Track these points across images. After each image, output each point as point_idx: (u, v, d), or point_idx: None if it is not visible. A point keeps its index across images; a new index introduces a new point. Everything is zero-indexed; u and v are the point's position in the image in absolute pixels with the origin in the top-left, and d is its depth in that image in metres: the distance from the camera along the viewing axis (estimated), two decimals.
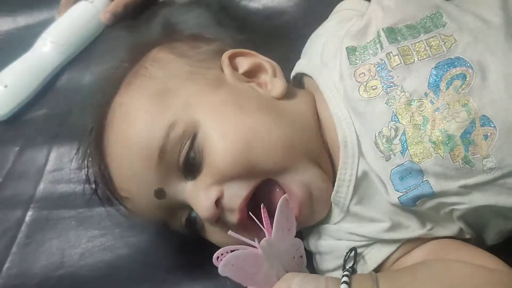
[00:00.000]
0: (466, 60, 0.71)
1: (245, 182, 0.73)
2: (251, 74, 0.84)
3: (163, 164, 0.75)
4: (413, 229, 0.74)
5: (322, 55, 0.83)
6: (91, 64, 1.15)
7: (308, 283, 0.68)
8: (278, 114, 0.78)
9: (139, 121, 0.77)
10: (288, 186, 0.75)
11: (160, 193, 0.76)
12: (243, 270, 0.68)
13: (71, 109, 1.09)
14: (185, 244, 0.89)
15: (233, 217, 0.74)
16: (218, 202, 0.73)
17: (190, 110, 0.76)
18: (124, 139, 0.77)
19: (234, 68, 0.83)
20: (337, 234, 0.78)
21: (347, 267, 0.72)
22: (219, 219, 0.74)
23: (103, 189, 0.84)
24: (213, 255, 0.67)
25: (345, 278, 0.68)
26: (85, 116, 0.87)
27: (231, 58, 0.84)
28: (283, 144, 0.75)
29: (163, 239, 0.94)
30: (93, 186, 0.87)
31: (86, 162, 0.86)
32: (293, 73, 0.88)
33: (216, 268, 0.67)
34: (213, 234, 0.79)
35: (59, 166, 1.05)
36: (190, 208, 0.77)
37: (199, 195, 0.74)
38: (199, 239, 0.84)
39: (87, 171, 0.86)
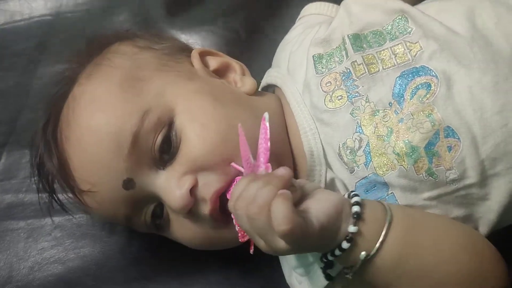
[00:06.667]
0: (431, 69, 0.70)
1: (219, 175, 0.71)
2: (220, 73, 0.83)
3: (135, 152, 0.71)
4: None
5: (289, 64, 0.82)
6: (40, 65, 1.09)
7: (309, 183, 0.66)
8: (251, 109, 0.77)
9: (109, 107, 0.73)
10: None
11: (129, 183, 0.72)
12: None
13: (20, 115, 1.04)
14: (139, 256, 0.87)
15: (205, 208, 0.71)
16: (192, 191, 0.70)
17: (164, 98, 0.73)
18: (91, 127, 0.73)
19: (204, 65, 0.81)
20: None
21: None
22: (190, 211, 0.72)
23: (61, 184, 0.78)
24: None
25: (356, 198, 0.64)
26: (36, 122, 0.82)
27: (200, 56, 0.82)
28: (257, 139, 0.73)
29: (117, 250, 0.91)
30: (46, 181, 0.82)
31: (38, 159, 0.80)
32: (263, 83, 0.86)
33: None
34: (180, 228, 0.75)
35: (8, 176, 1.00)
36: (156, 202, 0.75)
37: (172, 184, 0.71)
38: (154, 249, 0.82)
39: (39, 171, 0.81)
